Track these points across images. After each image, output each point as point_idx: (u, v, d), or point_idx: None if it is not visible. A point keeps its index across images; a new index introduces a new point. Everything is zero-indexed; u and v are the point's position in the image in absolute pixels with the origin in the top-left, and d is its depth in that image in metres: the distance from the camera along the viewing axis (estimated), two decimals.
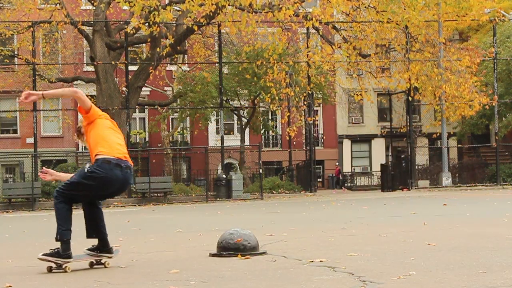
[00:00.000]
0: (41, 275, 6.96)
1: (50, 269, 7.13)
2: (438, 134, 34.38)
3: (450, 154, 38.93)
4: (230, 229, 7.99)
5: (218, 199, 29.30)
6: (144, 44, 37.08)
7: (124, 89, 31.17)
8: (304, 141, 40.19)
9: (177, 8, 31.38)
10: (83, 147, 42.20)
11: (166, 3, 30.55)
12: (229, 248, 7.68)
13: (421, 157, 41.11)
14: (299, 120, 32.55)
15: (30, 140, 36.13)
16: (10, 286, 6.13)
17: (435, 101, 32.41)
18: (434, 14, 31.01)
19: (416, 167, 34.50)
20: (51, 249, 7.18)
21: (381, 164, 38.45)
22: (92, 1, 32.30)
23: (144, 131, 44.23)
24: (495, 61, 33.74)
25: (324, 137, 47.86)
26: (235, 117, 42.06)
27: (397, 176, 34.17)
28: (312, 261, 6.93)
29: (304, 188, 32.83)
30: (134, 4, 25.86)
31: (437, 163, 37.24)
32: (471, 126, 39.97)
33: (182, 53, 36.14)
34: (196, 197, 29.83)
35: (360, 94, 31.09)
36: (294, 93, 30.28)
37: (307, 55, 30.62)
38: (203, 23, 29.24)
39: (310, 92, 32.29)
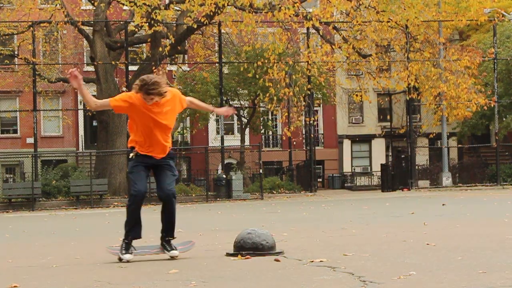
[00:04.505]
0: (41, 274, 6.95)
1: None
2: (434, 134, 34.38)
3: (450, 154, 38.91)
4: (248, 229, 7.91)
5: (218, 199, 29.29)
6: (144, 44, 37.08)
7: (124, 89, 31.16)
8: (304, 141, 40.16)
9: (177, 8, 31.37)
10: (83, 147, 42.20)
11: (167, 2, 30.55)
12: (246, 248, 7.59)
13: (421, 157, 41.08)
14: (298, 120, 32.51)
15: (30, 140, 36.13)
16: (16, 286, 6.12)
17: (434, 101, 32.39)
18: (434, 15, 30.98)
19: (416, 167, 34.49)
20: None
21: (381, 164, 38.43)
22: (92, 1, 32.30)
23: None
24: (495, 61, 33.71)
25: (324, 137, 47.85)
26: (235, 117, 42.04)
27: (397, 176, 34.16)
28: (312, 261, 6.92)
29: (304, 188, 32.82)
30: (135, 4, 25.85)
31: (437, 163, 37.22)
32: (471, 126, 39.94)
33: (182, 53, 36.13)
34: (196, 197, 29.81)
35: (359, 95, 31.06)
36: (293, 93, 30.25)
37: (308, 55, 30.59)
38: (205, 23, 29.20)
39: (309, 92, 32.26)
